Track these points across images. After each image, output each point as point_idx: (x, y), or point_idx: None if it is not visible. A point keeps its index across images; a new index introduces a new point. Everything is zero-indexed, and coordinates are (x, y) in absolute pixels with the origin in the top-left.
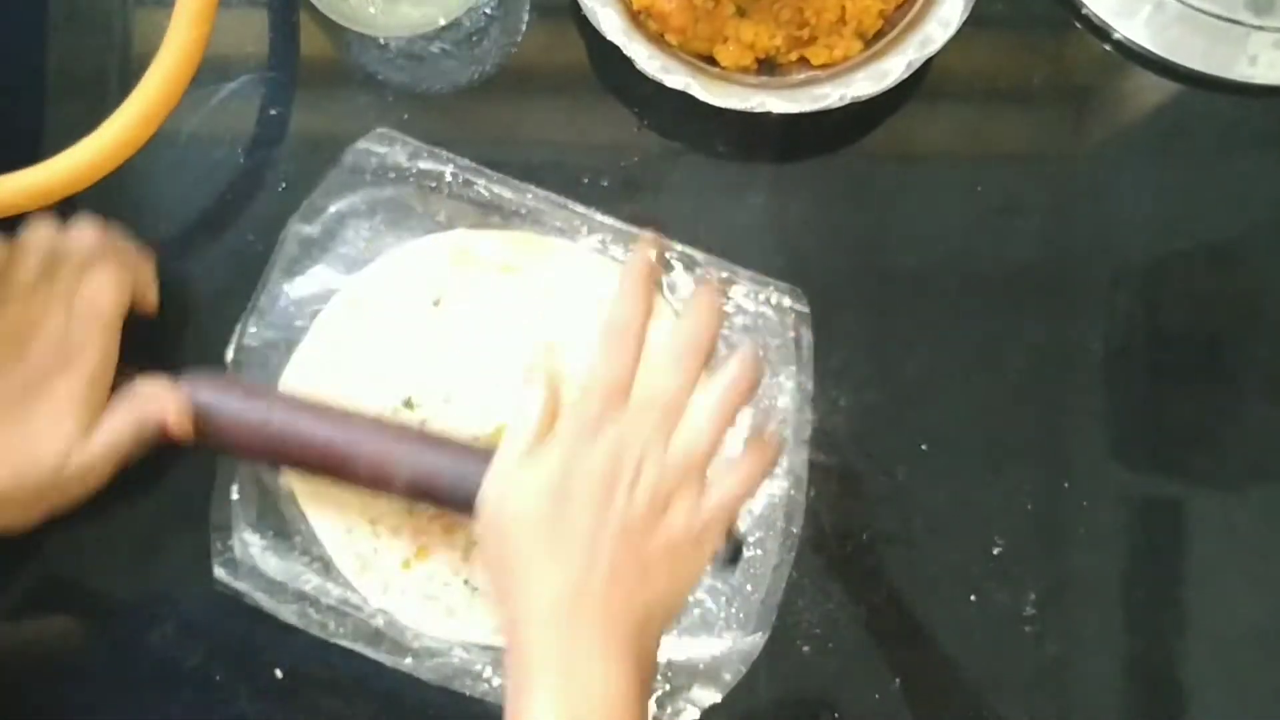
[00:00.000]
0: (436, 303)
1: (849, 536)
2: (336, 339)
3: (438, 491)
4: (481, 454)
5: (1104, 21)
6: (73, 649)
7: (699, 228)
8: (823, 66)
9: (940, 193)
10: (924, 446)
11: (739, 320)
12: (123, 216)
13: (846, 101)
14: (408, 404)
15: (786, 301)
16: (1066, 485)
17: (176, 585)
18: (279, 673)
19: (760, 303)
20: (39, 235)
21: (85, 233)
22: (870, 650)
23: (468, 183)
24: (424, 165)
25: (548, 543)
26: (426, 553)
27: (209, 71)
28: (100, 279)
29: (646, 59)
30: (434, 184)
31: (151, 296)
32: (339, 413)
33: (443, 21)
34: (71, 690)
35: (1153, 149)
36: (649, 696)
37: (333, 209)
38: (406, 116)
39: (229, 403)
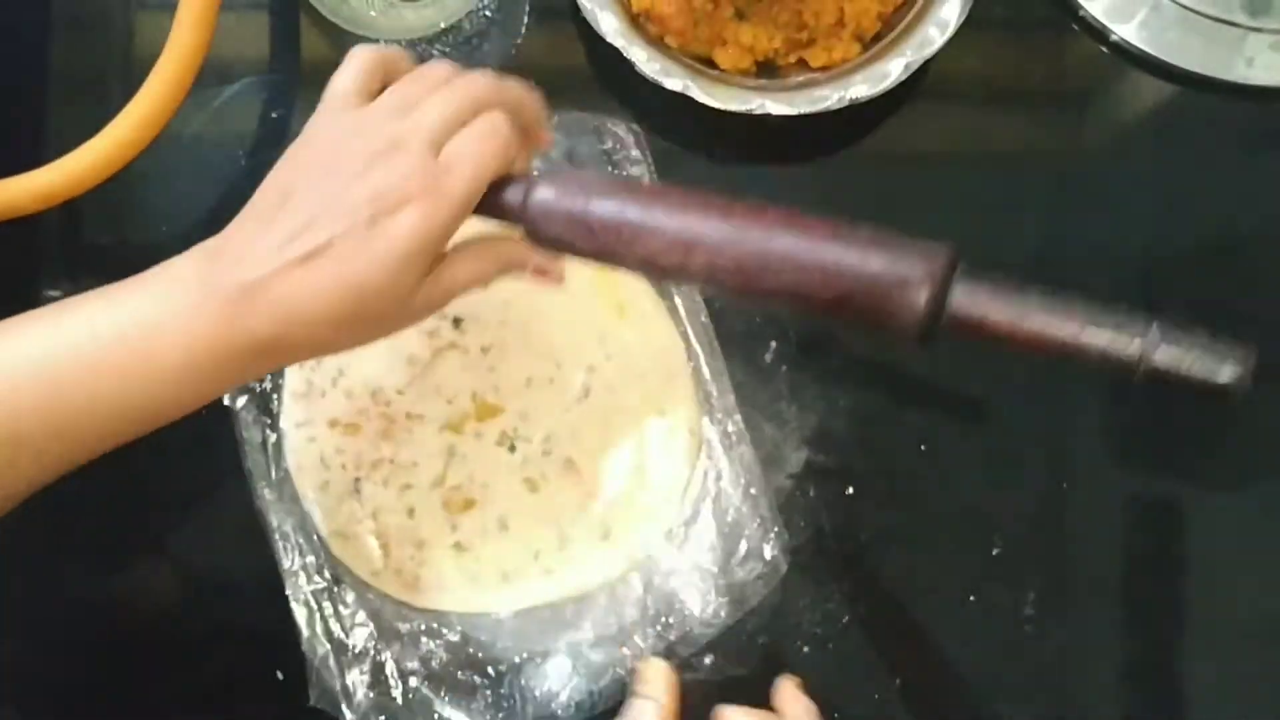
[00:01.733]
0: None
1: (849, 537)
2: None
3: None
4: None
5: (1101, 23)
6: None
7: None
8: (821, 69)
9: (938, 194)
10: (923, 447)
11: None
12: (126, 218)
13: (845, 103)
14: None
15: (621, 130)
16: (1065, 486)
17: None
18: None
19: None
20: (435, 70)
21: (484, 80)
22: (870, 650)
23: None
24: None
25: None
26: (463, 546)
27: (211, 74)
28: (485, 132)
29: (646, 61)
30: None
31: (524, 160)
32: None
33: (442, 25)
34: None
35: (1150, 150)
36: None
37: None
38: None
39: (572, 189)
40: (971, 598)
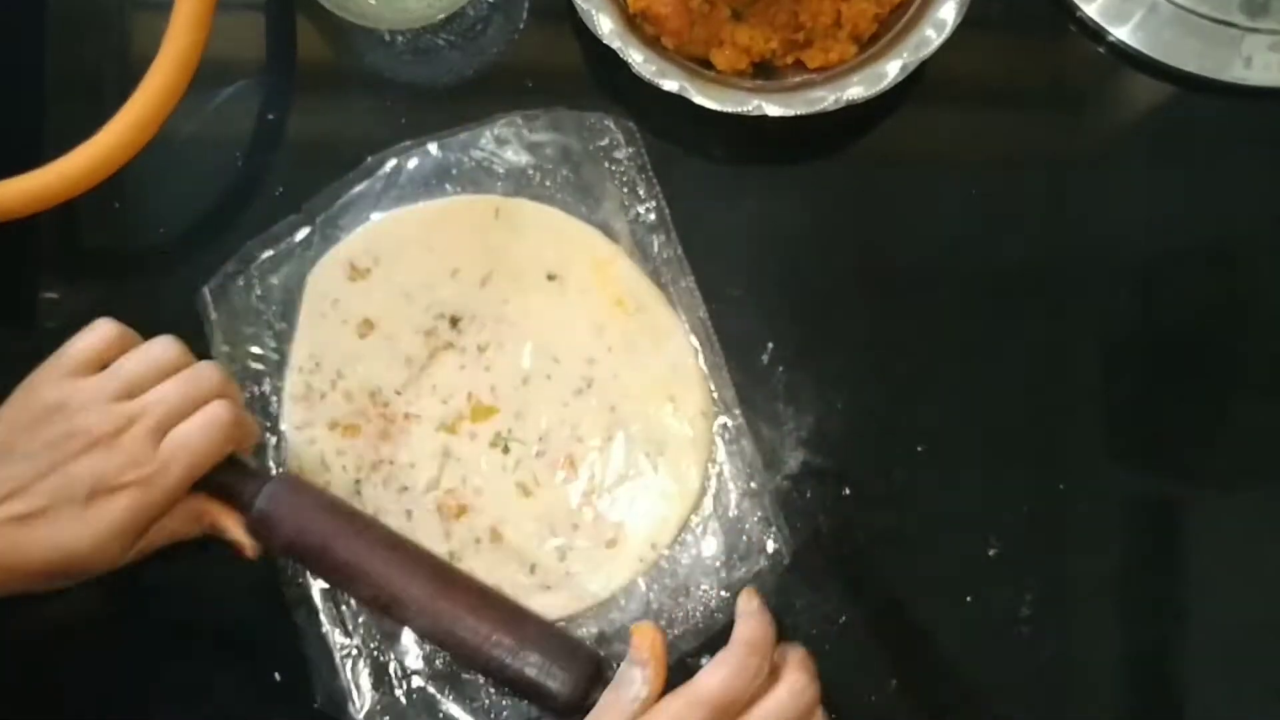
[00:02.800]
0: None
1: (846, 538)
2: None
3: (501, 670)
4: (559, 647)
5: (1098, 24)
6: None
7: (694, 231)
8: (818, 70)
9: (936, 195)
10: (920, 448)
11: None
12: (122, 220)
13: (842, 104)
14: (453, 322)
15: (609, 123)
16: (1062, 486)
17: None
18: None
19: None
20: (160, 352)
21: (210, 373)
22: (867, 651)
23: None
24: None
25: None
26: (455, 558)
27: (207, 76)
28: (205, 423)
29: (642, 62)
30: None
31: (247, 446)
32: (405, 553)
33: (442, 16)
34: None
35: (1148, 151)
36: None
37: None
38: (404, 121)
39: (294, 516)
40: (968, 598)
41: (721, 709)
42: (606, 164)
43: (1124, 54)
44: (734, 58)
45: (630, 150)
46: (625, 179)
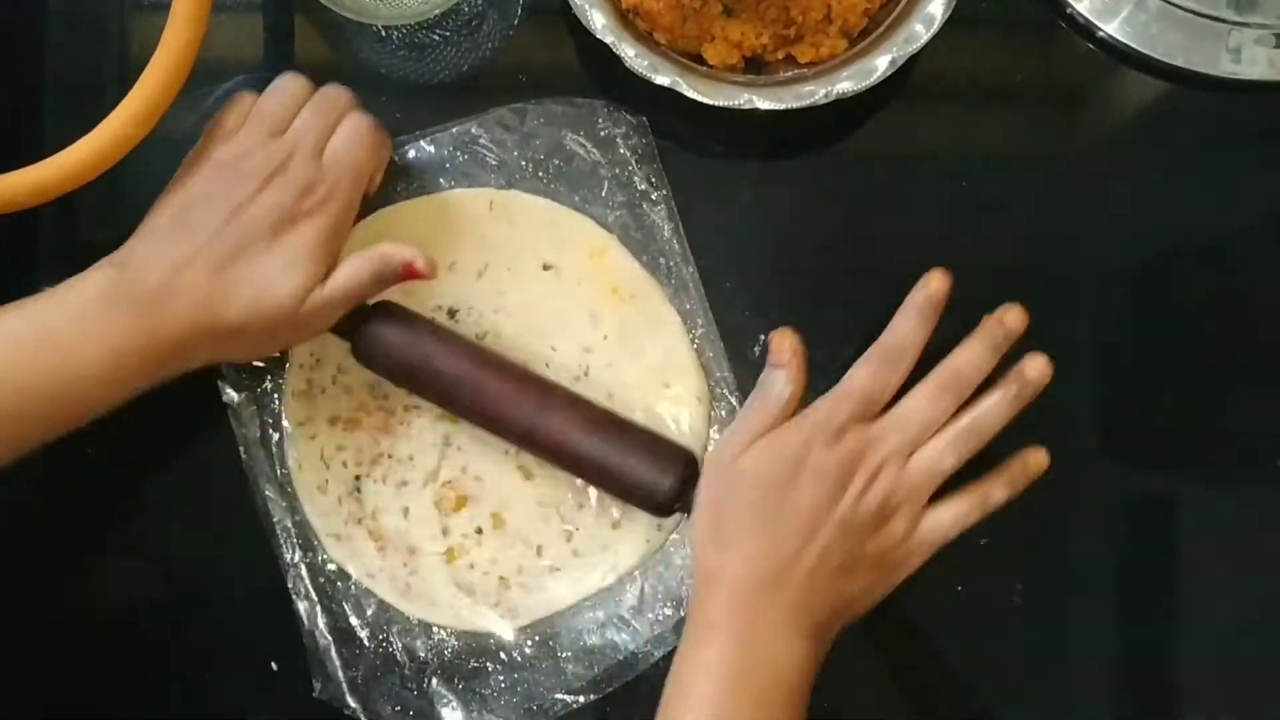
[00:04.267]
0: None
1: None
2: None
3: (602, 472)
4: (656, 446)
5: (1087, 19)
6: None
7: (687, 224)
8: (808, 64)
9: (927, 190)
10: None
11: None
12: (118, 216)
13: (832, 99)
14: (451, 313)
15: (609, 110)
16: (1054, 476)
17: None
18: None
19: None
20: (289, 85)
21: (337, 91)
22: (858, 641)
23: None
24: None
25: (768, 512)
26: (455, 553)
27: (205, 72)
28: (353, 133)
29: (635, 57)
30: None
31: (381, 170)
32: (525, 376)
33: (437, 12)
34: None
35: (1138, 146)
36: (812, 683)
37: None
38: (399, 115)
39: (401, 336)
40: (959, 588)
41: (868, 404)
42: (601, 153)
43: (1113, 49)
44: (725, 53)
45: (635, 140)
46: (624, 168)
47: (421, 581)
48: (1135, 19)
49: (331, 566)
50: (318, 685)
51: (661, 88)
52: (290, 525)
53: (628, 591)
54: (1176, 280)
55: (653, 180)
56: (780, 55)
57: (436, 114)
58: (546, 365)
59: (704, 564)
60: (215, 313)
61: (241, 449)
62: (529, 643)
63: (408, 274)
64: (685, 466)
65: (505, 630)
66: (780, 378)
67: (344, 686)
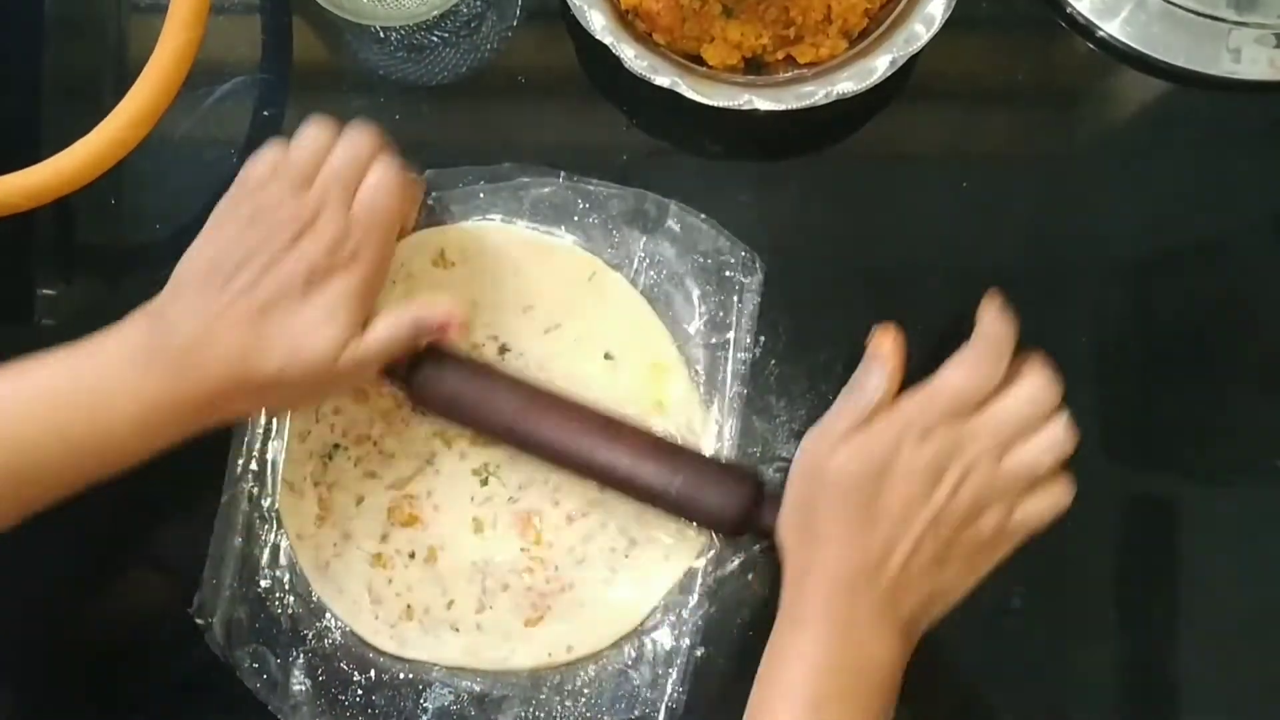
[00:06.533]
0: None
1: None
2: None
3: (667, 503)
4: (722, 472)
5: (1088, 20)
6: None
7: None
8: (808, 65)
9: (927, 191)
10: None
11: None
12: (118, 217)
13: (832, 99)
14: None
15: (743, 254)
16: None
17: None
18: None
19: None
20: (316, 134)
21: (364, 136)
22: None
23: None
24: None
25: (860, 509)
26: (383, 562)
27: (203, 74)
28: (381, 182)
29: (634, 58)
30: None
31: (414, 214)
32: (580, 410)
33: (435, 13)
34: None
35: (1138, 146)
36: (902, 677)
37: None
38: (398, 117)
39: (483, 381)
40: None
41: (960, 403)
42: (715, 289)
43: (1113, 49)
44: (725, 53)
45: (752, 292)
46: (727, 313)
47: (341, 567)
48: (1135, 19)
49: (272, 510)
50: (197, 601)
51: (661, 88)
52: (255, 453)
53: (501, 691)
54: (1176, 280)
55: (747, 341)
56: (780, 56)
57: (433, 119)
58: None
59: (794, 560)
60: (249, 365)
61: None
62: (401, 673)
63: (442, 331)
64: (754, 489)
65: (390, 648)
66: (876, 374)
67: (217, 615)
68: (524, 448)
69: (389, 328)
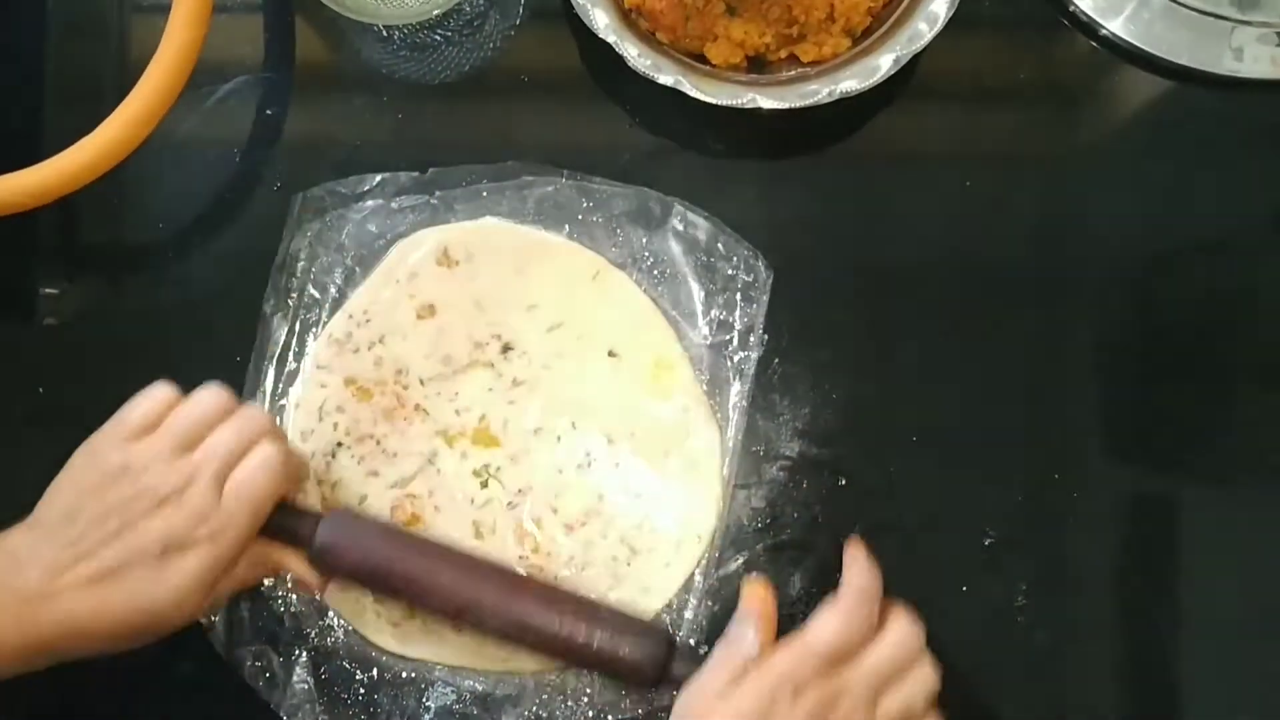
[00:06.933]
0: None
1: (842, 528)
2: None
3: (582, 656)
4: (631, 627)
5: (1091, 18)
6: None
7: None
8: (812, 63)
9: (930, 189)
10: (915, 439)
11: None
12: (121, 216)
13: (835, 97)
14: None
15: (749, 257)
16: (1057, 477)
17: None
18: None
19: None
20: (209, 403)
21: (255, 420)
22: None
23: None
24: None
25: None
26: None
27: (206, 73)
28: (258, 465)
29: (637, 57)
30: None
31: (297, 489)
32: (467, 561)
33: (438, 12)
34: None
35: (1140, 144)
36: None
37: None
38: (400, 116)
39: (356, 543)
40: (964, 588)
41: (833, 656)
42: (719, 287)
43: (1116, 47)
44: (728, 52)
45: (755, 292)
46: (730, 312)
47: None
48: (1138, 17)
49: None
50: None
51: (664, 87)
52: None
53: (503, 690)
54: (1179, 278)
55: (750, 339)
56: (783, 54)
57: (435, 119)
58: (559, 439)
59: None
60: (83, 625)
61: (251, 362)
62: (404, 672)
63: (301, 586)
64: (666, 644)
65: (392, 647)
66: (750, 629)
67: (220, 613)
68: (441, 610)
69: (239, 583)
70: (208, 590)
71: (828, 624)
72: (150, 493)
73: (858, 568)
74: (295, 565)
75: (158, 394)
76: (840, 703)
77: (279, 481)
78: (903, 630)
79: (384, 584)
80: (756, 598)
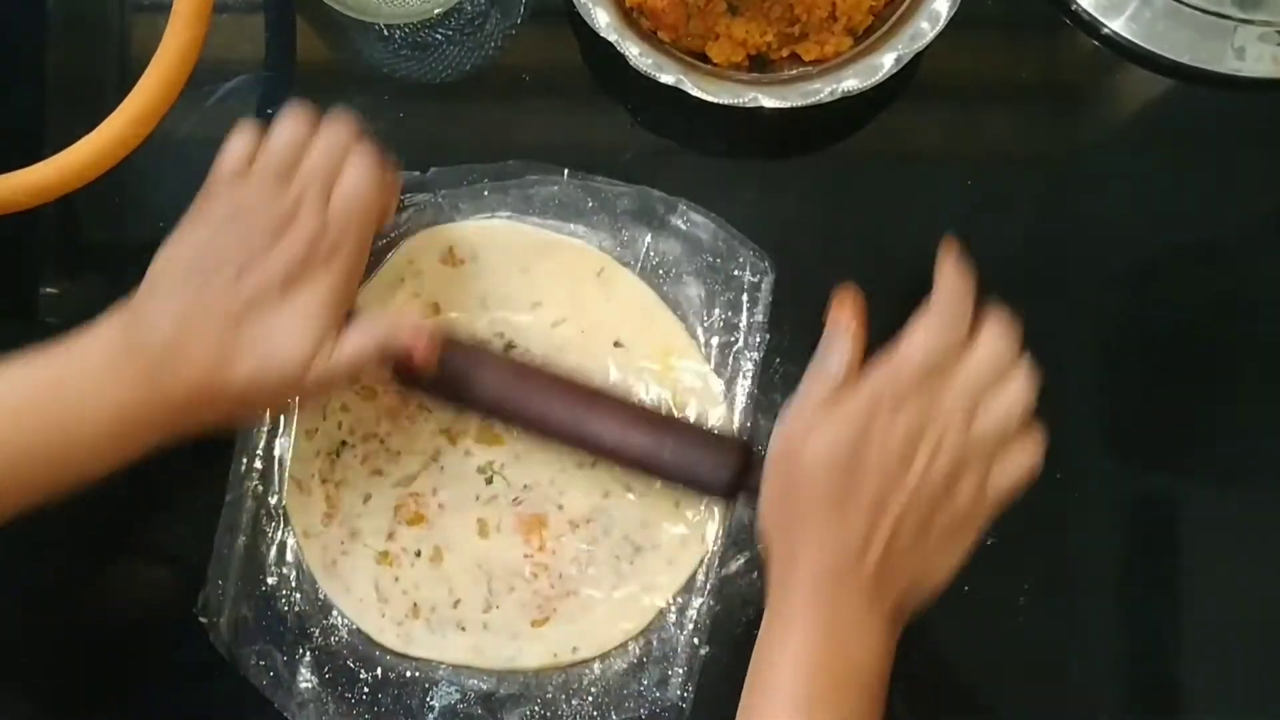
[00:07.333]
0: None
1: None
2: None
3: (660, 468)
4: (711, 439)
5: (1093, 17)
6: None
7: None
8: (813, 62)
9: (931, 188)
10: None
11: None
12: (122, 215)
13: (837, 96)
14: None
15: (753, 254)
16: (1059, 477)
17: None
18: None
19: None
20: (293, 127)
21: (341, 129)
22: None
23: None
24: None
25: (838, 495)
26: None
27: (206, 72)
28: (359, 177)
29: (639, 56)
30: None
31: (393, 205)
32: (567, 383)
33: (439, 11)
34: None
35: (1142, 143)
36: (892, 665)
37: None
38: (401, 115)
39: (469, 361)
40: (966, 588)
41: (929, 367)
42: (724, 288)
43: (1118, 46)
44: (730, 51)
45: (761, 293)
46: (735, 311)
47: (348, 565)
48: (1140, 16)
49: (278, 507)
50: (202, 599)
51: (666, 86)
52: (260, 451)
53: (507, 689)
54: (1180, 277)
55: (756, 339)
56: (785, 53)
57: (437, 118)
58: None
59: (777, 553)
60: (222, 373)
61: None
62: (408, 671)
63: (406, 356)
64: (744, 452)
65: (396, 646)
66: (839, 346)
67: (224, 613)
68: (512, 422)
69: (357, 349)
70: (331, 319)
71: (923, 334)
72: (264, 226)
73: (949, 271)
74: (400, 323)
75: (242, 137)
76: (938, 417)
77: (379, 188)
78: (996, 339)
79: (468, 396)
80: (844, 312)
